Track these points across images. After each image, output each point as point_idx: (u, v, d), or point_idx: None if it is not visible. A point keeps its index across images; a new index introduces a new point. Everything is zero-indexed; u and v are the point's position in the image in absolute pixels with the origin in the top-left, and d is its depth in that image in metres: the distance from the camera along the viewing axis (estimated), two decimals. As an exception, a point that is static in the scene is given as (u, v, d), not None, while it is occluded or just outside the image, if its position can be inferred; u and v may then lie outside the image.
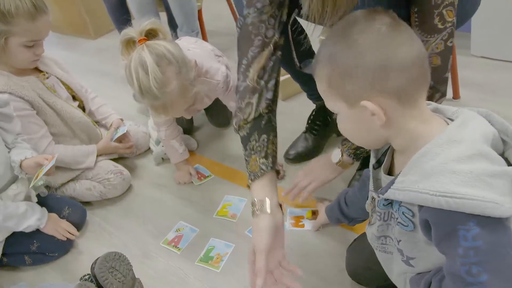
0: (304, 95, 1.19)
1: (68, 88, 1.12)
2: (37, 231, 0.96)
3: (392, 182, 0.50)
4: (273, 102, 0.77)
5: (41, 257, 0.98)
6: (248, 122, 0.74)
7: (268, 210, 0.69)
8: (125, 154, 1.21)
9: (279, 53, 0.78)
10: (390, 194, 0.49)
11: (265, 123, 0.75)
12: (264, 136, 0.74)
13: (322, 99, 1.19)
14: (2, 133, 0.94)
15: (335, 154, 0.89)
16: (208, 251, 0.95)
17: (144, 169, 1.22)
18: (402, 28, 0.48)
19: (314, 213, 0.97)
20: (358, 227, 0.90)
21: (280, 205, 0.72)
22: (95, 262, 0.79)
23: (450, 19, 0.68)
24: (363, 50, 0.47)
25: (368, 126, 0.50)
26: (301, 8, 0.64)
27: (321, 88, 0.53)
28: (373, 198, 0.58)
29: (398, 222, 0.52)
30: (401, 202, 0.50)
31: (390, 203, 0.53)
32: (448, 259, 0.45)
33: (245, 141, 0.76)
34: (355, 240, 0.80)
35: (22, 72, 1.02)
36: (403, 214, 0.51)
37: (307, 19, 0.66)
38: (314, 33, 0.74)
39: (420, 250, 0.52)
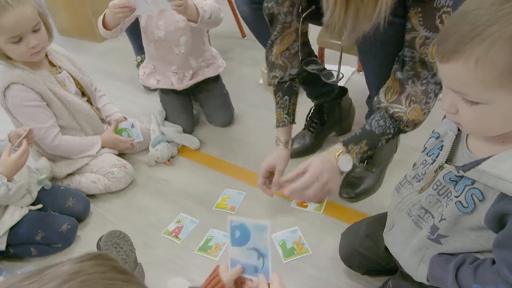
0: (303, 95, 1.24)
1: (78, 84, 1.18)
2: (42, 221, 1.01)
3: (477, 163, 0.49)
4: (297, 76, 0.98)
5: (46, 249, 1.02)
6: (275, 85, 1.00)
7: (282, 146, 1.00)
8: (126, 150, 1.25)
9: (305, 38, 0.96)
10: (475, 174, 0.49)
11: (287, 87, 0.98)
12: (286, 97, 0.99)
13: (321, 98, 1.18)
14: None
15: (345, 162, 0.82)
16: (207, 241, 0.99)
17: (146, 164, 1.26)
18: None
19: None
20: (351, 218, 0.94)
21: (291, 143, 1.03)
22: (100, 239, 0.84)
23: None
24: None
25: None
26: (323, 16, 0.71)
27: (483, 73, 0.43)
28: (440, 167, 0.56)
29: (458, 201, 0.52)
30: (473, 183, 0.50)
31: (456, 180, 0.53)
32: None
33: (274, 95, 1.01)
34: (348, 227, 0.84)
35: (36, 65, 1.08)
36: (471, 195, 0.50)
37: (327, 28, 0.73)
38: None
39: (459, 231, 0.54)
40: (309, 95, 1.18)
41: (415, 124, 0.81)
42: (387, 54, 0.80)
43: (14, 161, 0.94)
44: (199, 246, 0.97)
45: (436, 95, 0.79)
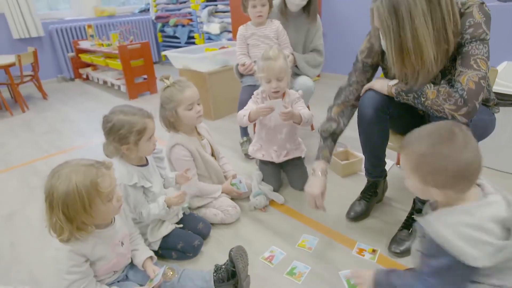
0: (357, 176, 1.64)
1: (211, 147, 1.69)
2: (182, 236, 1.39)
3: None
4: (340, 132, 1.37)
5: (182, 255, 1.34)
6: (328, 132, 1.35)
7: (319, 174, 1.30)
8: (236, 196, 1.70)
9: (354, 108, 1.37)
10: (421, 221, 0.78)
11: (333, 137, 1.36)
12: (331, 143, 1.36)
13: (378, 178, 1.59)
14: (160, 170, 1.45)
15: (393, 81, 1.17)
16: (292, 268, 1.30)
17: (248, 208, 1.66)
18: (470, 145, 0.69)
19: (374, 251, 1.33)
20: (396, 267, 1.25)
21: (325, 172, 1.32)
22: (232, 249, 1.15)
23: (482, 67, 0.96)
24: (448, 163, 0.69)
25: (428, 194, 0.76)
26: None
27: (406, 165, 0.76)
28: None
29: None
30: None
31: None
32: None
33: (323, 138, 1.37)
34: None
35: (191, 133, 1.57)
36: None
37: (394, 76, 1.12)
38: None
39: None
40: (369, 175, 1.55)
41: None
42: None
43: (174, 202, 1.34)
44: (286, 271, 1.29)
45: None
